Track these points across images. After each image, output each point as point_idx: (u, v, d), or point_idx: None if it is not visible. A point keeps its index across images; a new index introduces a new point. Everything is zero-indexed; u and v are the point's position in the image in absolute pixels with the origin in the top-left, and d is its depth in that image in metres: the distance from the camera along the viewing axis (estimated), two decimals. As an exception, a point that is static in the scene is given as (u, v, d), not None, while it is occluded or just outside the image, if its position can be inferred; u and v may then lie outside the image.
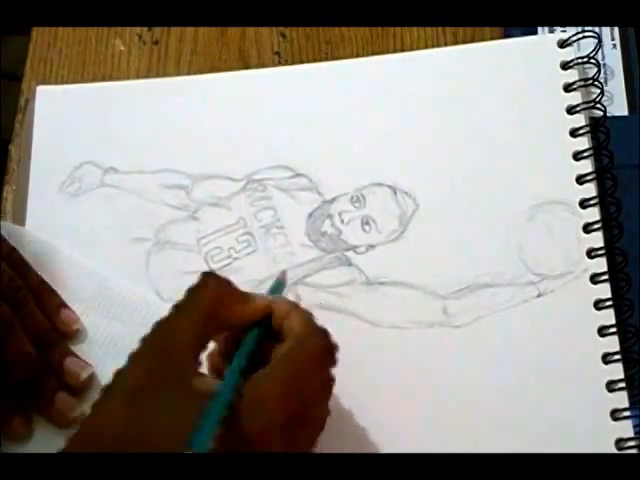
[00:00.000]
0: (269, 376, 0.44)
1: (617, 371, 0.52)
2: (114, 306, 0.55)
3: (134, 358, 0.44)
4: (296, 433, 0.45)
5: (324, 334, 0.47)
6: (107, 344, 0.54)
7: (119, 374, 0.44)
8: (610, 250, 0.54)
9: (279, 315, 0.48)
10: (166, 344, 0.44)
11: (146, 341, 0.45)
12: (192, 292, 0.46)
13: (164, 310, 0.49)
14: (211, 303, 0.46)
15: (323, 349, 0.46)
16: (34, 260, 0.56)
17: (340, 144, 0.59)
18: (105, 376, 0.52)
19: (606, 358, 0.52)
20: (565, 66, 0.58)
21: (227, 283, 0.47)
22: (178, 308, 0.46)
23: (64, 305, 0.55)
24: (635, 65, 0.60)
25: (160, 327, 0.45)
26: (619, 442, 0.51)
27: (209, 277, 0.47)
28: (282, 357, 0.45)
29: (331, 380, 0.47)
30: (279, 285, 0.53)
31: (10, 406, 0.52)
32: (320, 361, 0.46)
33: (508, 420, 0.52)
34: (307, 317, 0.47)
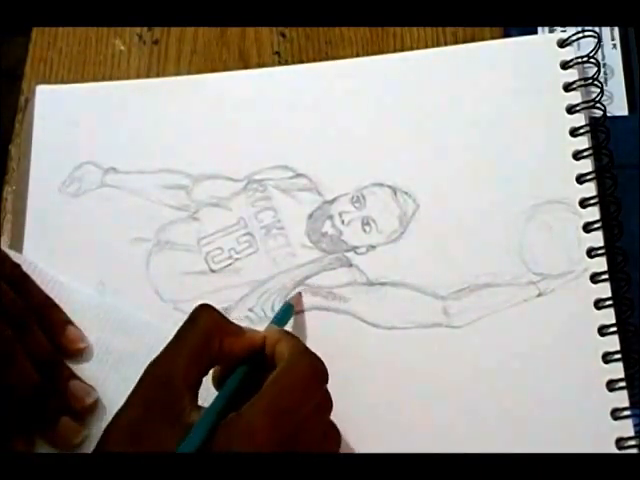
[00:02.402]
0: (256, 406, 0.44)
1: (617, 370, 0.52)
2: (115, 325, 0.55)
3: (132, 394, 0.45)
4: (298, 446, 0.44)
5: (312, 356, 0.47)
6: (110, 364, 0.54)
7: (119, 412, 0.45)
8: (610, 249, 0.54)
9: (270, 344, 0.48)
10: (160, 378, 0.45)
11: (142, 377, 0.46)
12: (184, 326, 0.47)
13: (162, 330, 0.50)
14: (203, 336, 0.46)
15: (311, 371, 0.46)
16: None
17: (340, 144, 0.59)
18: (109, 396, 0.53)
19: (606, 357, 0.53)
20: (565, 66, 0.58)
21: (220, 316, 0.48)
22: (171, 342, 0.47)
23: (69, 322, 0.55)
24: (635, 65, 0.60)
25: (158, 360, 0.46)
26: (619, 441, 0.51)
27: (203, 310, 0.47)
28: (270, 384, 0.45)
29: (326, 399, 0.47)
30: (288, 309, 0.54)
31: (12, 428, 0.52)
32: (309, 384, 0.46)
33: (508, 420, 0.52)
34: (295, 342, 0.47)
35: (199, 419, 0.44)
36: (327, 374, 0.47)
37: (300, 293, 0.55)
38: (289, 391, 0.45)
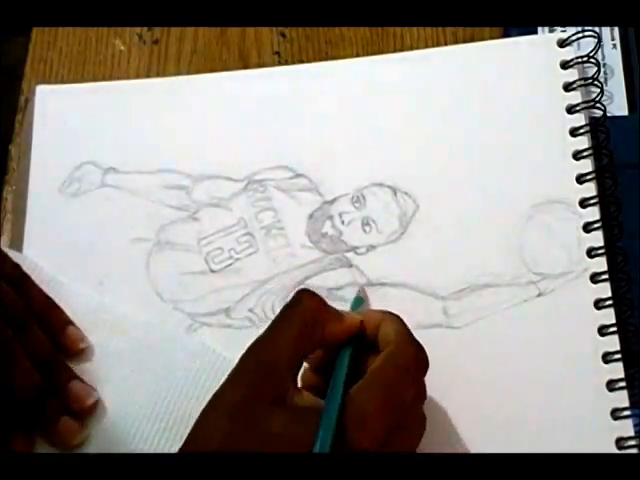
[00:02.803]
0: (366, 391, 0.44)
1: (617, 370, 0.52)
2: (116, 326, 0.55)
3: (232, 376, 0.45)
4: (398, 441, 0.45)
5: (417, 344, 0.47)
6: (111, 364, 0.54)
7: (218, 393, 0.45)
8: (610, 249, 0.54)
9: (372, 325, 0.48)
10: (265, 361, 0.45)
11: (244, 359, 0.46)
12: (287, 309, 0.47)
13: (162, 330, 0.50)
14: (306, 321, 0.46)
15: (417, 359, 0.47)
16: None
17: (340, 144, 0.59)
18: (109, 396, 0.52)
19: (606, 357, 0.53)
20: (565, 65, 0.58)
21: (321, 300, 0.48)
22: (274, 325, 0.47)
23: (70, 322, 0.55)
24: (635, 65, 0.60)
25: (258, 344, 0.46)
26: (619, 441, 0.51)
27: (304, 294, 0.48)
28: (378, 370, 0.45)
29: (424, 389, 0.48)
30: (359, 301, 0.54)
31: (12, 428, 0.52)
32: (414, 371, 0.46)
33: (508, 420, 0.52)
34: (401, 327, 0.48)
35: (327, 405, 0.43)
36: (428, 361, 0.47)
37: (363, 287, 0.55)
38: (397, 377, 0.45)
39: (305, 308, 0.47)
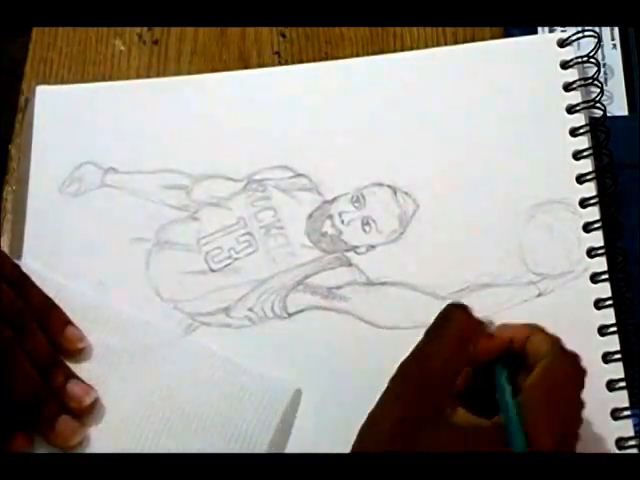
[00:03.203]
0: (531, 407, 0.44)
1: (617, 370, 0.52)
2: (115, 326, 0.55)
3: (387, 395, 0.45)
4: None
5: (573, 358, 0.46)
6: (110, 364, 0.54)
7: (374, 413, 0.45)
8: (610, 249, 0.54)
9: (519, 340, 0.47)
10: (421, 377, 0.45)
11: (396, 378, 0.46)
12: (441, 323, 0.47)
13: (162, 330, 0.50)
14: (460, 337, 0.46)
15: (573, 375, 0.46)
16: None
17: (340, 144, 0.59)
18: (108, 396, 0.53)
19: (606, 357, 0.53)
20: (565, 65, 0.58)
21: (473, 317, 0.47)
22: (426, 341, 0.46)
23: (69, 322, 0.55)
24: (635, 65, 0.60)
25: (410, 363, 0.46)
26: (619, 441, 0.51)
27: (457, 309, 0.47)
28: (532, 388, 0.45)
29: (581, 404, 0.47)
30: None
31: (12, 426, 0.51)
32: (572, 386, 0.46)
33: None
34: (552, 339, 0.47)
35: (511, 429, 0.43)
36: (585, 372, 0.46)
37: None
38: (551, 400, 0.44)
39: (457, 324, 0.47)
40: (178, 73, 0.63)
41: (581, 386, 0.46)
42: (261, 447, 0.51)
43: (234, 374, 0.53)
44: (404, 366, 0.46)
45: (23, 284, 0.55)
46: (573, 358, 0.46)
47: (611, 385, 0.52)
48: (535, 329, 0.48)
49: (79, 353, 0.54)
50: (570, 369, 0.46)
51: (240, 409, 0.51)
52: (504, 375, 0.47)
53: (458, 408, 0.45)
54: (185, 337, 0.55)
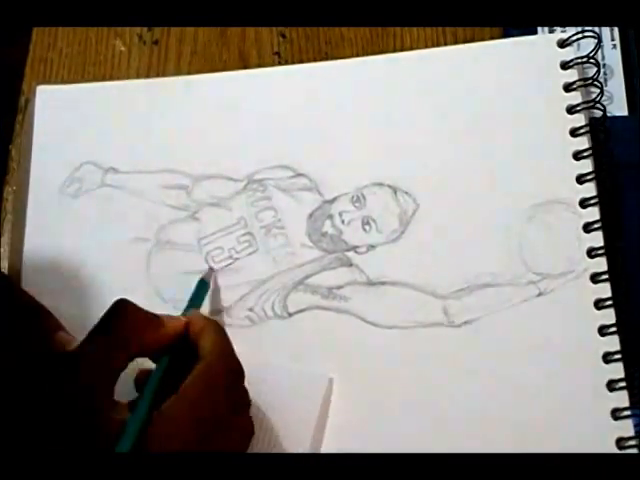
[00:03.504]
0: (176, 408, 0.44)
1: (618, 370, 0.52)
2: None
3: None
4: (219, 446, 0.45)
5: (230, 356, 0.47)
6: None
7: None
8: (610, 249, 0.54)
9: (194, 332, 0.48)
10: (81, 373, 0.45)
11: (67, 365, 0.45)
12: (104, 320, 0.46)
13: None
14: (123, 331, 0.46)
15: (229, 373, 0.47)
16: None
17: (340, 144, 0.59)
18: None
19: (607, 357, 0.53)
20: (565, 66, 0.58)
21: (139, 309, 0.47)
22: (91, 336, 0.46)
23: (60, 327, 0.54)
24: (635, 65, 0.60)
25: (73, 355, 0.46)
26: (620, 441, 0.51)
27: (121, 304, 0.47)
28: (190, 385, 0.45)
29: (243, 397, 0.48)
30: (203, 285, 0.54)
31: None
32: (227, 384, 0.46)
33: (508, 419, 0.52)
34: (216, 338, 0.48)
35: (129, 418, 0.44)
36: (243, 373, 0.47)
37: (212, 268, 0.55)
38: (208, 391, 0.45)
39: (120, 318, 0.46)
40: (178, 73, 0.63)
41: (236, 388, 0.47)
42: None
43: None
44: (70, 355, 0.46)
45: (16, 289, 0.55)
46: (229, 361, 0.47)
47: (611, 385, 0.52)
48: (209, 323, 0.48)
49: None
50: (223, 374, 0.46)
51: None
52: (162, 365, 0.47)
53: (120, 402, 0.45)
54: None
